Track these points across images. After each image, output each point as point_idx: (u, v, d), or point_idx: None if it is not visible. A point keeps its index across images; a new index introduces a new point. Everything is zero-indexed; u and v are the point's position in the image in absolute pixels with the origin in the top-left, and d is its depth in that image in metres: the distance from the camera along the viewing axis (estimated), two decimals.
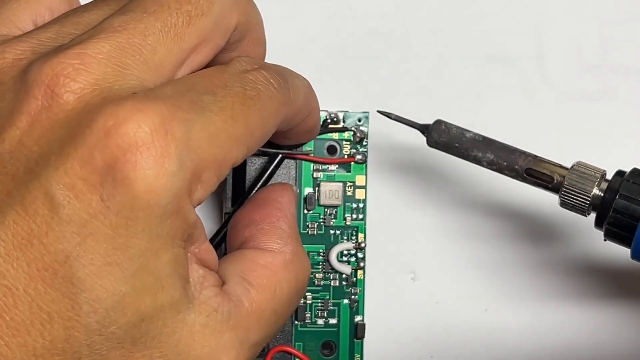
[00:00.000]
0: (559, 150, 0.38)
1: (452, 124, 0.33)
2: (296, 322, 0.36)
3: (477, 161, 0.33)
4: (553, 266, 0.39)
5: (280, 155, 0.35)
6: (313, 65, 0.38)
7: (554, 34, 0.40)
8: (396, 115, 0.34)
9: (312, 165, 0.36)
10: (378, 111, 0.34)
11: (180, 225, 0.25)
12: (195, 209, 0.26)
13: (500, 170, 0.33)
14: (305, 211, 0.36)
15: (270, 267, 0.30)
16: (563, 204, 0.32)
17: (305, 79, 0.31)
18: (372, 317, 0.38)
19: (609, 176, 0.32)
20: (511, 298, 0.39)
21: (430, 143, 0.33)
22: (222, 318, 0.27)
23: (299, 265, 0.31)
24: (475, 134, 0.33)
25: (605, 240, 0.32)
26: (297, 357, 0.36)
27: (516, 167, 0.32)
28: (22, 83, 0.26)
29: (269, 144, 0.34)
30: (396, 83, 0.39)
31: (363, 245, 0.36)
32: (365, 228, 0.36)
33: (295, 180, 0.36)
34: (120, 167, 0.24)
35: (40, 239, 0.24)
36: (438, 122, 0.33)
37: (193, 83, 0.27)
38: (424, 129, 0.33)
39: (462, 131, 0.33)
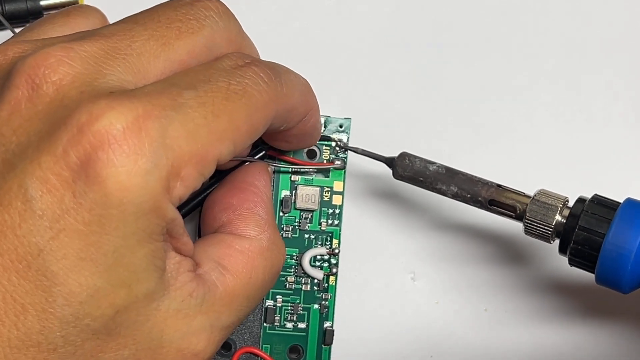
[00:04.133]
0: (559, 149, 0.39)
1: (416, 157, 0.33)
2: (265, 324, 0.36)
3: (442, 193, 0.33)
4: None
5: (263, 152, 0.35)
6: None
7: (555, 34, 0.39)
8: (362, 150, 0.35)
9: (290, 167, 0.36)
10: (346, 147, 0.35)
11: (158, 223, 0.25)
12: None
13: (465, 201, 0.33)
14: (281, 214, 0.36)
15: (247, 253, 0.30)
16: (527, 232, 0.32)
17: (304, 78, 0.31)
18: (372, 317, 0.38)
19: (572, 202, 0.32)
20: (511, 298, 0.38)
21: (396, 176, 0.34)
22: (196, 302, 0.27)
23: (275, 252, 0.31)
24: (439, 166, 0.33)
25: (571, 266, 0.32)
26: None
27: (479, 198, 0.33)
28: (9, 74, 0.26)
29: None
30: (384, 88, 0.39)
31: (337, 251, 0.36)
32: (340, 234, 0.36)
33: (273, 182, 0.36)
34: (93, 164, 0.24)
35: (13, 231, 0.24)
36: (402, 157, 0.34)
37: (176, 80, 0.27)
38: (389, 162, 0.34)
39: (426, 164, 0.33)
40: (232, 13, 0.30)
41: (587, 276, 0.32)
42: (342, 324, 0.37)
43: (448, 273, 0.38)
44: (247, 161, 0.34)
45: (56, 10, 0.37)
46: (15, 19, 0.36)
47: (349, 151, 0.36)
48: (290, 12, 0.39)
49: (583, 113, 0.39)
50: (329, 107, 0.37)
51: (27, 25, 0.31)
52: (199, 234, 0.35)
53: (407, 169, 0.33)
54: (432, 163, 0.33)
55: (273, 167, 0.35)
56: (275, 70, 0.29)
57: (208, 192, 0.33)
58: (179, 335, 0.27)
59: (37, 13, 0.36)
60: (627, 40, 0.39)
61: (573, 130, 0.39)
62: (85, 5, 0.36)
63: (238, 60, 0.28)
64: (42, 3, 0.37)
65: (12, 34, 0.35)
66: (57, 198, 0.24)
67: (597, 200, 0.31)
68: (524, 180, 0.34)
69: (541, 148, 0.39)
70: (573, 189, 0.33)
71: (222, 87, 0.27)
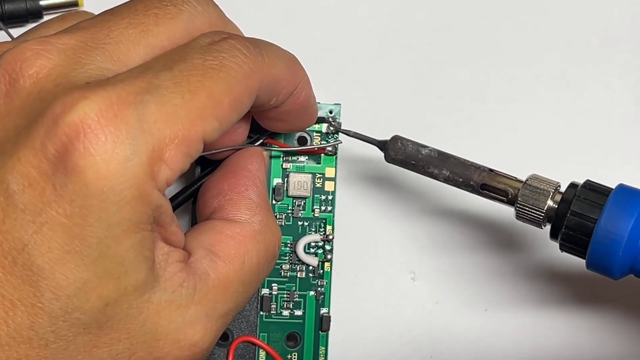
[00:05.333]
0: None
1: (408, 140, 0.33)
2: (261, 312, 0.36)
3: (434, 177, 0.33)
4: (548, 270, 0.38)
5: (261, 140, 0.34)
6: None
7: (554, 34, 0.39)
8: (354, 132, 0.35)
9: (281, 155, 0.36)
10: (338, 130, 0.35)
11: (143, 211, 0.25)
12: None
13: (457, 185, 0.33)
14: (274, 202, 0.36)
15: (238, 237, 0.29)
16: (518, 217, 0.32)
17: (289, 52, 0.30)
18: (371, 317, 0.38)
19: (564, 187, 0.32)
20: (511, 298, 0.38)
21: (388, 160, 0.34)
22: (187, 293, 0.27)
23: (268, 235, 0.30)
24: (431, 150, 0.33)
25: (561, 251, 0.32)
26: (262, 348, 0.36)
27: (471, 182, 0.33)
28: None
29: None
30: (382, 85, 0.39)
31: (331, 237, 0.36)
32: (333, 220, 0.36)
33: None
34: (70, 155, 0.24)
35: None
36: (394, 140, 0.33)
37: (152, 63, 0.27)
38: (381, 145, 0.34)
39: (418, 147, 0.33)
40: None
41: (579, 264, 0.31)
42: (341, 324, 0.37)
43: (448, 273, 0.38)
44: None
45: (55, 10, 0.37)
46: (14, 19, 0.37)
47: (339, 138, 0.36)
48: (290, 12, 0.39)
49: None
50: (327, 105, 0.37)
51: (26, 30, 0.32)
52: (192, 225, 0.35)
53: (399, 152, 0.33)
54: (425, 147, 0.33)
55: (270, 152, 0.35)
56: (255, 42, 0.28)
57: (201, 182, 0.33)
58: (174, 326, 0.27)
59: (36, 13, 0.37)
60: (625, 32, 0.39)
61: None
62: (82, 10, 0.38)
63: (214, 36, 0.28)
64: (41, 3, 0.37)
65: (8, 36, 0.36)
66: (38, 191, 0.24)
67: (589, 186, 0.31)
68: (514, 167, 0.34)
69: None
70: (564, 175, 0.33)
71: (197, 64, 0.26)
